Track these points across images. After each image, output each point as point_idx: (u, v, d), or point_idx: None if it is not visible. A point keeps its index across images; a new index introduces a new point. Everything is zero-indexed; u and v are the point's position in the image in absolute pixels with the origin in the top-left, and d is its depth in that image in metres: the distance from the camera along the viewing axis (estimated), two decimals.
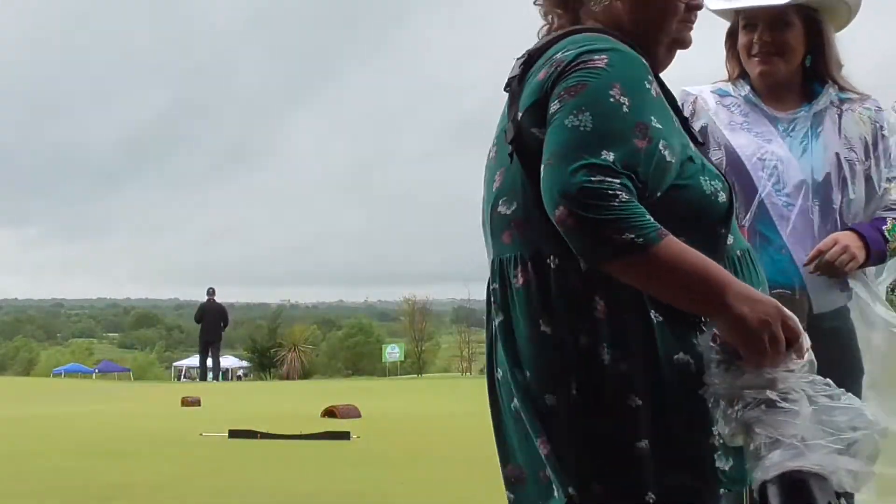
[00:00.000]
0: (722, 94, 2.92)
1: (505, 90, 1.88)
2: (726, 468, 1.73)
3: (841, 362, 2.56)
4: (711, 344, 1.66)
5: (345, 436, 8.91)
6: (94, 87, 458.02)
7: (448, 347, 68.57)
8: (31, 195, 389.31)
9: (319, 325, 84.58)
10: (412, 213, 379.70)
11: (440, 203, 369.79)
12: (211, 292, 23.32)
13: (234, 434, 9.03)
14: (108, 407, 14.57)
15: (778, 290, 2.44)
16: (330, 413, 11.21)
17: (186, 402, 14.12)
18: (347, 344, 75.16)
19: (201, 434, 9.31)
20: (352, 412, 11.32)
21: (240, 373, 55.48)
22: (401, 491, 6.28)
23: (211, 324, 22.57)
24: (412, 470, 7.27)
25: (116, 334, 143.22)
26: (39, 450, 8.32)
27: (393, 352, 47.20)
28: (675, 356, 1.70)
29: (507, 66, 1.90)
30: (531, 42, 1.92)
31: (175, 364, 65.36)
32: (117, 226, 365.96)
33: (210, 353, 22.95)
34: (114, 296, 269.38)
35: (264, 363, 48.40)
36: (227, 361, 60.29)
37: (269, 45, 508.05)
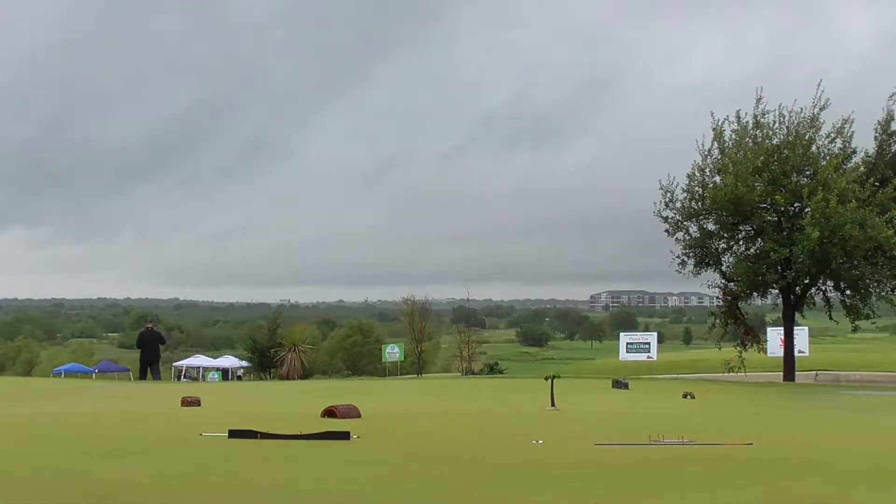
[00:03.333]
0: None
1: None
2: None
3: None
4: None
5: (345, 436, 8.90)
6: (126, 83, 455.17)
7: (448, 347, 68.58)
8: (48, 193, 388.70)
9: (319, 325, 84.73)
10: (424, 214, 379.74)
11: (451, 204, 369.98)
12: (150, 320, 29.71)
13: (234, 434, 9.02)
14: (108, 407, 14.57)
15: None
16: (330, 413, 11.21)
17: (186, 402, 14.13)
18: (347, 344, 75.25)
19: (201, 434, 9.30)
20: (352, 412, 11.32)
21: (239, 373, 55.53)
22: (401, 491, 6.28)
23: (149, 348, 26.37)
24: (412, 470, 7.27)
25: (116, 334, 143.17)
26: (39, 450, 8.31)
27: (393, 352, 47.26)
28: None
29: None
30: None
31: (175, 364, 65.47)
32: (128, 225, 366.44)
33: (151, 371, 26.57)
34: (114, 296, 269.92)
35: (264, 363, 48.49)
36: (227, 361, 60.44)
37: (302, 41, 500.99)
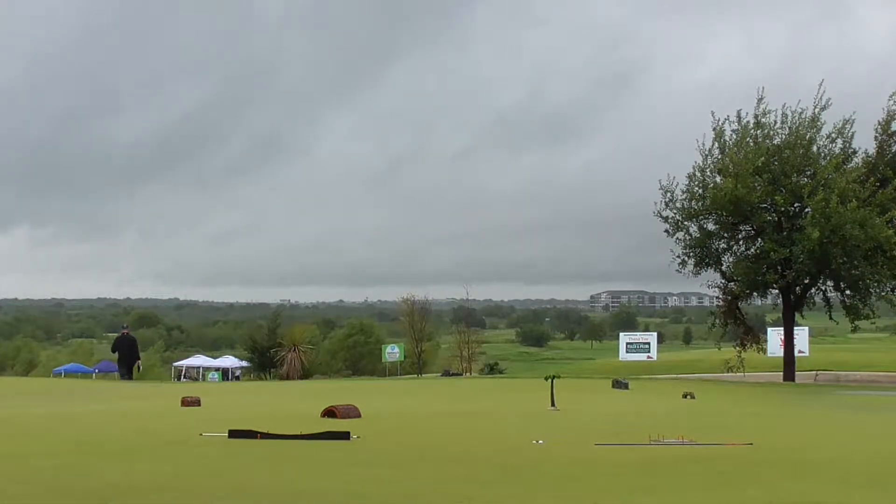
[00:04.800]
0: None
1: None
2: None
3: None
4: None
5: (345, 436, 8.90)
6: (140, 81, 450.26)
7: (448, 347, 68.56)
8: (56, 193, 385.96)
9: (319, 325, 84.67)
10: (429, 214, 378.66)
11: (457, 203, 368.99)
12: (124, 327, 30.14)
13: (234, 434, 9.02)
14: (108, 407, 14.57)
15: None
16: (330, 413, 11.21)
17: (186, 402, 14.13)
18: (347, 344, 75.23)
19: (201, 434, 9.31)
20: (352, 412, 11.33)
21: (237, 373, 55.56)
22: (401, 491, 6.28)
23: (125, 354, 27.43)
24: (412, 470, 7.27)
25: (116, 334, 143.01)
26: (39, 450, 8.31)
27: (393, 352, 47.26)
28: None
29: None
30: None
31: (175, 364, 65.50)
32: (133, 225, 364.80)
33: (127, 374, 27.63)
34: (114, 296, 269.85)
35: (264, 363, 48.49)
36: (227, 361, 60.48)
37: (317, 40, 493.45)
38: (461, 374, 44.78)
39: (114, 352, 28.41)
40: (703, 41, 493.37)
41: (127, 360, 27.36)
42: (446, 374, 44.10)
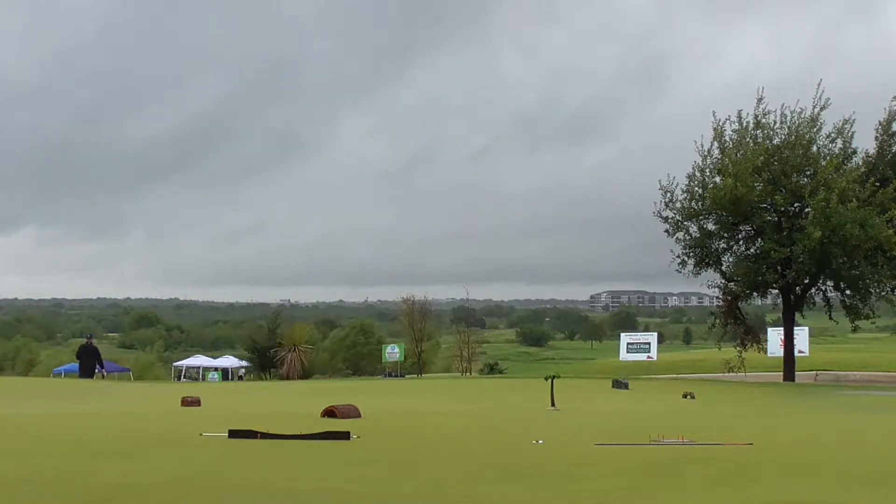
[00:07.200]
0: None
1: None
2: None
3: None
4: None
5: (345, 436, 8.91)
6: (159, 80, 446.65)
7: (448, 347, 68.54)
8: (67, 193, 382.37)
9: (319, 326, 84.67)
10: (437, 214, 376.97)
11: (466, 204, 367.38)
12: (88, 336, 31.66)
13: (234, 434, 9.03)
14: (108, 407, 14.57)
15: None
16: (330, 413, 11.22)
17: (186, 402, 14.14)
18: (347, 344, 75.25)
19: (201, 434, 9.31)
20: (352, 412, 11.34)
21: (241, 372, 55.55)
22: (401, 491, 6.28)
23: (87, 362, 28.49)
24: (412, 470, 7.27)
25: (116, 334, 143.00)
26: (39, 450, 8.31)
27: (393, 352, 47.22)
28: None
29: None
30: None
31: (175, 364, 65.51)
32: (140, 225, 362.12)
33: (88, 378, 28.18)
34: (114, 296, 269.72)
35: (264, 363, 48.50)
36: (228, 361, 60.47)
37: (340, 38, 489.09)
38: (403, 376, 44.62)
39: (78, 358, 29.50)
40: (728, 40, 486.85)
41: (89, 367, 28.48)
42: (389, 375, 43.95)
